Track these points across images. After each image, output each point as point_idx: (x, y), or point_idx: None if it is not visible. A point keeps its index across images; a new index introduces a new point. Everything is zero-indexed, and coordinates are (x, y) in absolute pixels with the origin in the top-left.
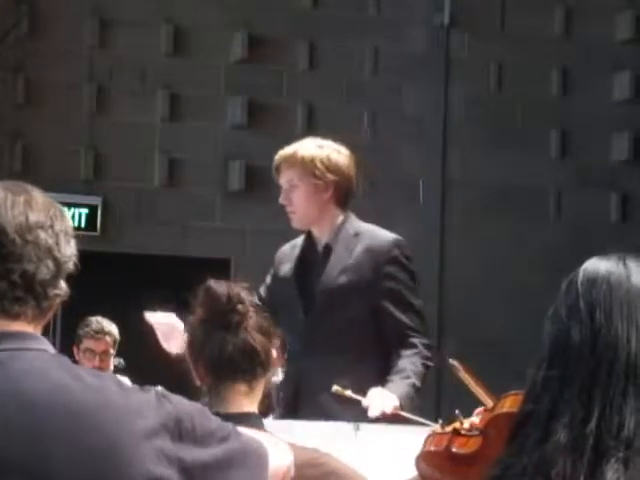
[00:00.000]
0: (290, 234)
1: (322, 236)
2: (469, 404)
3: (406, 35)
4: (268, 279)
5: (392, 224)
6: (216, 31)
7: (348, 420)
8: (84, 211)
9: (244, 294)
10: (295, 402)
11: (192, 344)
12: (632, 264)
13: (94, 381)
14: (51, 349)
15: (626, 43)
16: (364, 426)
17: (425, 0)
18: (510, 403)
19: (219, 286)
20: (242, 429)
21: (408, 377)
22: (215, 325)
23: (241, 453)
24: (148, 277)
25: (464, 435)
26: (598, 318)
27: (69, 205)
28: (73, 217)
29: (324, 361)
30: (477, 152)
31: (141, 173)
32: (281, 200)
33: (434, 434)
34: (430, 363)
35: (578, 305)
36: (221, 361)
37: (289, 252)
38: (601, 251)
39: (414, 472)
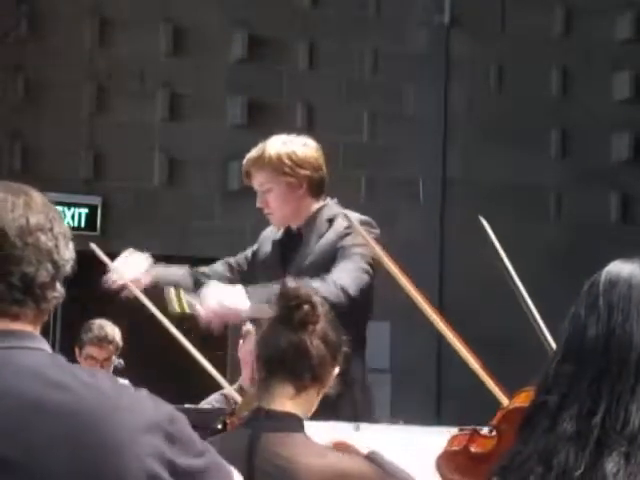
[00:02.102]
0: None
1: (299, 224)
2: (469, 404)
3: (406, 35)
4: (248, 252)
5: (392, 224)
6: (216, 31)
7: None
8: (84, 211)
9: (317, 299)
10: None
11: (259, 337)
12: None
13: (89, 379)
14: (48, 348)
15: (626, 43)
16: (364, 426)
17: (425, 0)
18: (523, 399)
19: (292, 284)
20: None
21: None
22: (281, 321)
23: (216, 467)
24: None
25: (483, 435)
26: (615, 317)
27: (69, 205)
28: (73, 217)
29: None
30: (477, 152)
31: (141, 173)
32: (258, 204)
33: (456, 434)
34: (337, 297)
35: (597, 303)
36: (274, 355)
37: (271, 235)
38: (601, 251)
39: (413, 472)
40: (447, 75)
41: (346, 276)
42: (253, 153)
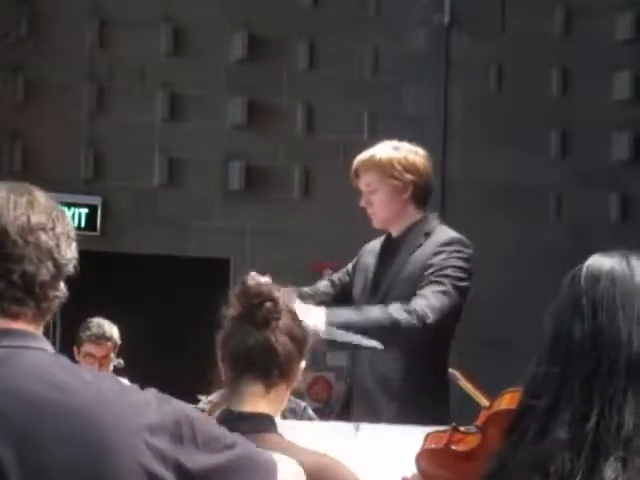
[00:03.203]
0: (290, 234)
1: (398, 234)
2: (469, 405)
3: (406, 35)
4: (349, 265)
5: None
6: (216, 31)
7: (393, 414)
8: (84, 211)
9: (279, 294)
10: (349, 397)
11: (222, 337)
12: (635, 262)
13: (92, 379)
14: (50, 348)
15: (626, 43)
16: (364, 426)
17: (425, 0)
18: (508, 400)
19: (252, 281)
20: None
21: (358, 309)
22: (243, 320)
23: (248, 461)
24: (148, 277)
25: (463, 432)
26: (600, 316)
27: (69, 205)
28: (73, 217)
29: (375, 355)
30: (477, 152)
31: (141, 173)
32: (362, 203)
33: (433, 432)
34: (408, 322)
35: (581, 302)
36: (240, 355)
37: (373, 247)
38: (601, 251)
39: (414, 471)
40: (447, 75)
41: (425, 303)
42: (363, 154)
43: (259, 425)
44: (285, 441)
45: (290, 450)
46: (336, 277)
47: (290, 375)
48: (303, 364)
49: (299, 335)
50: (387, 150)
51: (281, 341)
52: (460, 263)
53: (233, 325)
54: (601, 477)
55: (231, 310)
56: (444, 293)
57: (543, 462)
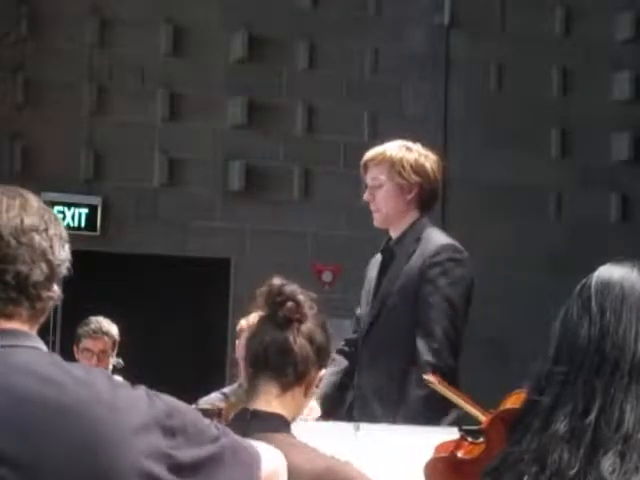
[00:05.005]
0: (289, 234)
1: (395, 238)
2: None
3: (406, 35)
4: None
5: None
6: (216, 31)
7: (390, 422)
8: (84, 211)
9: (303, 297)
10: (352, 404)
11: (248, 337)
12: None
13: (85, 376)
14: (44, 347)
15: (626, 43)
16: (364, 426)
17: (425, 0)
18: (512, 401)
19: (278, 282)
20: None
21: None
22: (267, 319)
23: (232, 451)
24: (148, 277)
25: (470, 441)
26: (608, 319)
27: (69, 205)
28: (73, 217)
29: (373, 364)
30: (477, 152)
31: (141, 173)
32: (365, 197)
33: (442, 442)
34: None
35: (590, 305)
36: (258, 353)
37: (377, 259)
38: (601, 251)
39: (413, 472)
40: (447, 75)
41: (432, 352)
42: (375, 149)
43: (271, 425)
44: (297, 441)
45: (301, 450)
46: (358, 312)
47: (306, 379)
48: (323, 372)
49: (321, 341)
50: (399, 149)
51: (299, 343)
52: (454, 274)
53: (257, 325)
54: (599, 470)
55: (259, 311)
56: (445, 330)
57: (542, 455)
